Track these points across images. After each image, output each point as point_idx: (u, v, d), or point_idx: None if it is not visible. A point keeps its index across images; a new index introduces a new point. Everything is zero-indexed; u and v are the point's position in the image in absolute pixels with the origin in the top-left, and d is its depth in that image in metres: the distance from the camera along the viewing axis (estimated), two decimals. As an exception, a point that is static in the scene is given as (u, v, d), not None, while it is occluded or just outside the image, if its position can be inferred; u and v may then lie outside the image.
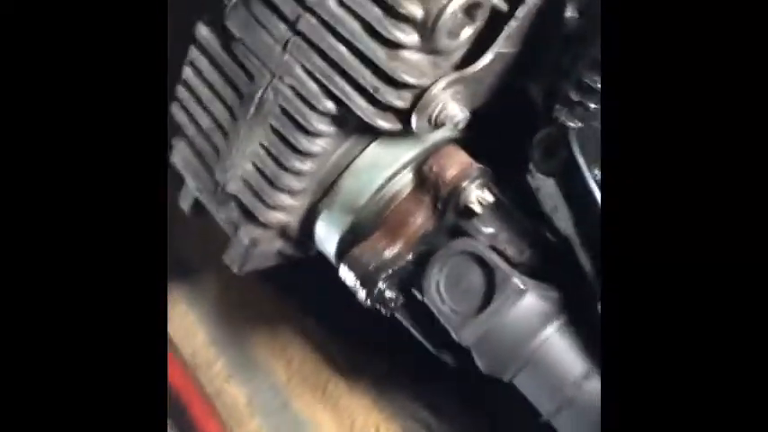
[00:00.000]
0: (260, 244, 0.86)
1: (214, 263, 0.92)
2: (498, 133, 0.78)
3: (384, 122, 0.71)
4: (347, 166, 0.78)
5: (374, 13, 0.67)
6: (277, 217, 0.82)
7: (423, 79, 0.69)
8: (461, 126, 0.71)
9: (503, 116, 0.76)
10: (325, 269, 0.83)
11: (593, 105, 0.62)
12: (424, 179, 0.77)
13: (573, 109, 0.63)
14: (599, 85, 0.61)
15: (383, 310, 0.77)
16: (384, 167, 0.77)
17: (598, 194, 0.64)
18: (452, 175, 0.75)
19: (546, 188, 0.72)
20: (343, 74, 0.71)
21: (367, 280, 0.77)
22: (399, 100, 0.69)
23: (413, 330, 0.79)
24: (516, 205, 0.77)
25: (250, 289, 1.11)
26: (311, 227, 0.83)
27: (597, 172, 0.63)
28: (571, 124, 0.63)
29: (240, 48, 0.78)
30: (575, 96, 0.62)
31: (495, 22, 0.70)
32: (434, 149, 0.77)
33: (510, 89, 0.74)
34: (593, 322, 0.67)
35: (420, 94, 0.69)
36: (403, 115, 0.71)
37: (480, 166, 0.76)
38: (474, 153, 0.78)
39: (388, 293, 0.76)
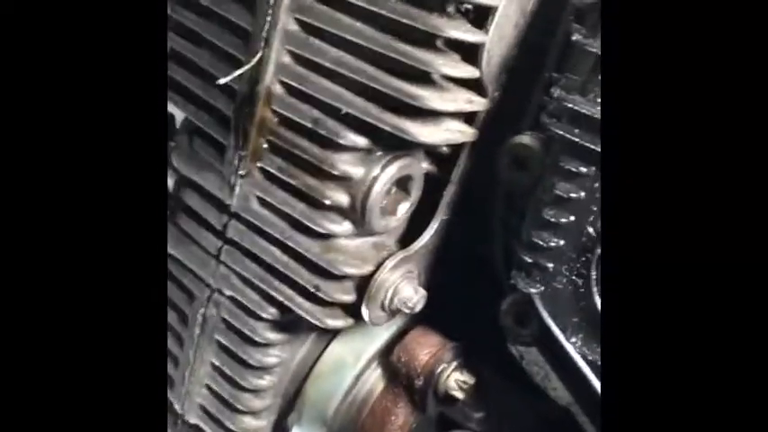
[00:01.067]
0: (234, 476, 0.76)
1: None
2: (468, 302, 0.70)
3: (333, 321, 0.63)
4: (309, 374, 0.70)
5: (299, 208, 0.62)
6: (245, 442, 0.73)
7: (365, 267, 0.62)
8: (419, 307, 0.64)
9: (468, 283, 0.69)
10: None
11: (550, 265, 0.54)
12: (396, 371, 0.69)
13: (530, 272, 0.55)
14: (551, 243, 0.54)
15: None
16: (348, 367, 0.69)
17: (581, 361, 0.55)
18: (424, 362, 0.67)
19: (530, 356, 0.63)
20: (281, 276, 0.64)
21: (355, 500, 0.67)
22: (344, 294, 0.62)
23: None
24: (506, 378, 0.68)
25: None
26: (285, 446, 0.74)
27: (575, 338, 0.55)
28: (532, 290, 0.55)
29: (175, 266, 0.72)
30: (528, 258, 0.55)
31: (435, 189, 0.65)
32: (400, 335, 0.70)
33: (466, 254, 0.67)
34: None
35: (366, 282, 0.62)
36: (352, 309, 0.63)
37: (453, 344, 0.68)
38: (446, 330, 0.70)
39: None
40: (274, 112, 0.61)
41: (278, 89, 0.61)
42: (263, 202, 0.64)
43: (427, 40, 0.54)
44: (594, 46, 0.50)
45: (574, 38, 0.52)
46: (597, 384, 0.55)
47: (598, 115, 0.49)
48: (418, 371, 0.67)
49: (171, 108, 0.78)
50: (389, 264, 0.63)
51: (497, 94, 0.60)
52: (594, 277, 0.52)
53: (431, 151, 0.63)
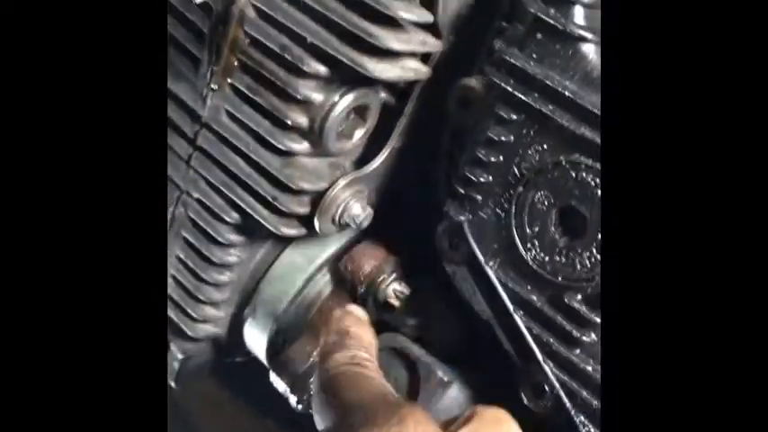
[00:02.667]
0: (194, 357, 0.85)
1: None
2: (411, 223, 0.77)
3: (288, 229, 0.71)
4: (265, 273, 0.78)
5: (264, 125, 0.68)
6: (204, 329, 0.82)
7: (320, 183, 0.69)
8: (366, 224, 0.71)
9: (412, 206, 0.76)
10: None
11: (478, 197, 0.61)
12: (342, 278, 0.77)
13: (462, 202, 0.63)
14: (481, 178, 0.60)
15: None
16: (300, 271, 0.77)
17: (498, 285, 0.63)
18: (367, 271, 0.75)
19: (460, 274, 0.71)
20: (244, 185, 0.71)
21: (296, 385, 0.76)
22: (299, 206, 0.69)
23: None
24: (440, 291, 0.76)
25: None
26: (241, 335, 0.82)
27: (492, 263, 0.63)
28: (462, 217, 0.63)
29: (149, 166, 0.78)
30: (461, 189, 0.62)
31: (391, 117, 0.71)
32: (349, 246, 0.77)
33: (416, 179, 0.74)
34: (521, 405, 0.65)
35: (319, 197, 0.69)
36: (306, 220, 0.70)
37: (395, 258, 0.76)
38: (392, 244, 0.78)
39: (317, 398, 0.75)
40: (246, 33, 0.66)
41: (251, 12, 0.65)
42: (231, 116, 0.70)
43: (389, -16, 0.59)
44: (534, 6, 0.55)
45: (519, -5, 0.57)
46: (508, 303, 0.63)
47: (530, 70, 0.55)
48: (361, 279, 0.75)
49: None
50: (342, 182, 0.69)
51: (452, 38, 0.65)
52: (513, 211, 0.60)
53: (388, 84, 0.69)
